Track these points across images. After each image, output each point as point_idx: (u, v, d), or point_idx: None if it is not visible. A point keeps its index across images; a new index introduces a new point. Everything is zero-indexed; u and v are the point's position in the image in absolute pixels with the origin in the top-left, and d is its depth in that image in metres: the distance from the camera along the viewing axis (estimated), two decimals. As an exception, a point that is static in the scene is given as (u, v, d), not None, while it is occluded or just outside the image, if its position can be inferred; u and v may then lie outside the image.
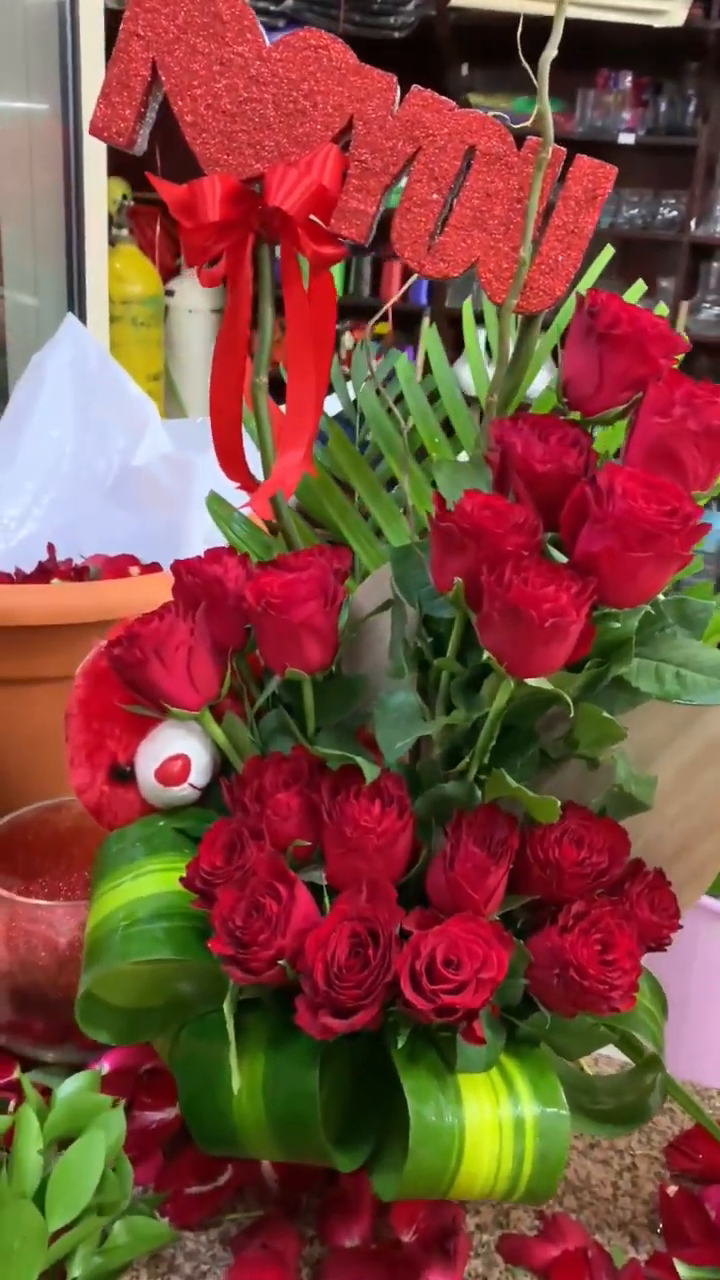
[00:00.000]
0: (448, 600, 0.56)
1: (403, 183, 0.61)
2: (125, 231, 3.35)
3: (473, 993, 0.53)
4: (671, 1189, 0.69)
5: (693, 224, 3.09)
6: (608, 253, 0.71)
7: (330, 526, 0.74)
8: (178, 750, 0.63)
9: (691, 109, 3.04)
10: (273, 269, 0.64)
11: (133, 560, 1.15)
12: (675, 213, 3.04)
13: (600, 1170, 0.72)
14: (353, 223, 0.60)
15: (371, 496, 0.72)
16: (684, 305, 3.09)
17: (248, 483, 0.69)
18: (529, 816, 0.58)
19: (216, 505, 0.77)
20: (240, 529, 0.76)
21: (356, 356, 0.77)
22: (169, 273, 3.68)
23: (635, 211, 3.16)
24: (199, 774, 0.63)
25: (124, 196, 3.43)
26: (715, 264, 3.06)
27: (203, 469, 1.15)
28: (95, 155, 2.50)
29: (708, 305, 3.05)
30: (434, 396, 0.76)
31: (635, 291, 0.73)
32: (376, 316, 0.65)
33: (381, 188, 0.60)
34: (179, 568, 0.63)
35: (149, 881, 0.61)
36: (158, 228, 3.62)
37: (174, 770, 0.62)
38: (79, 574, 1.14)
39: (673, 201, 3.07)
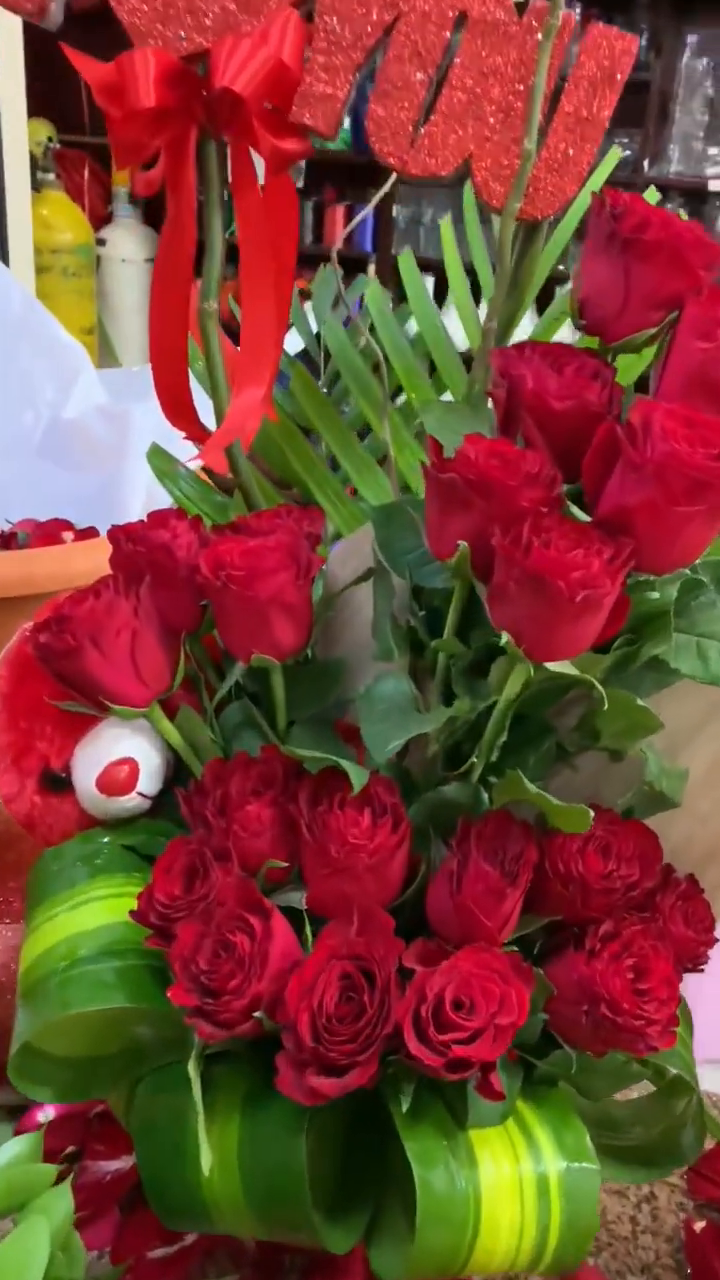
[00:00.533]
0: (447, 568, 0.47)
1: (378, 61, 0.50)
2: (52, 176, 3.16)
3: (490, 1042, 0.44)
4: (698, 1224, 0.62)
5: (646, 164, 2.98)
6: (614, 155, 0.61)
7: (294, 482, 0.63)
8: (123, 753, 0.53)
9: (644, 43, 2.92)
10: (222, 170, 0.53)
11: (66, 525, 1.04)
12: (628, 153, 2.92)
13: (616, 1203, 0.64)
14: (318, 110, 0.49)
15: (342, 446, 0.62)
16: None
17: (197, 432, 0.59)
18: (541, 819, 0.49)
19: (159, 460, 0.66)
20: (188, 487, 0.65)
21: (318, 283, 0.67)
22: (100, 220, 3.49)
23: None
24: (149, 780, 0.53)
25: (49, 139, 3.24)
26: (669, 205, 2.95)
27: (142, 420, 1.04)
28: (13, 94, 2.34)
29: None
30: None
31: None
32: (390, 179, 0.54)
33: (353, 66, 0.49)
34: (117, 534, 0.53)
35: (93, 911, 0.51)
36: (86, 172, 3.43)
37: (119, 777, 0.52)
38: (5, 541, 1.03)
39: (625, 141, 2.95)
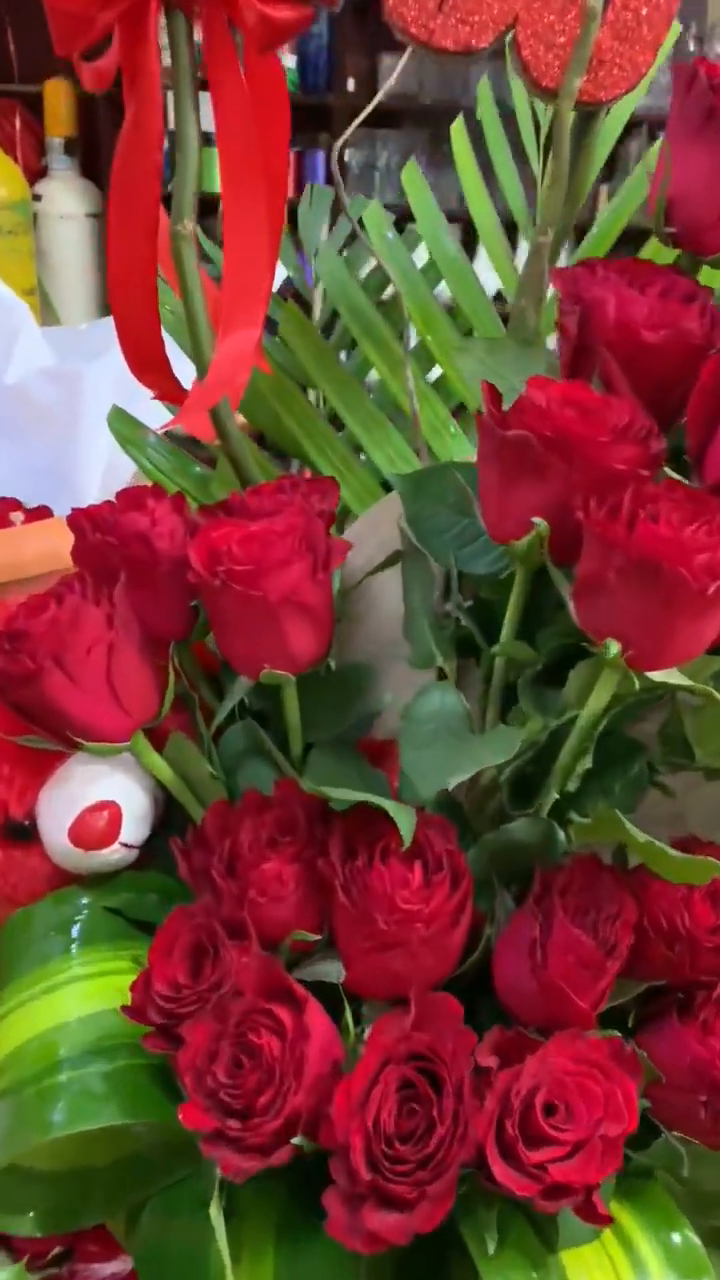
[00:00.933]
0: (511, 551, 0.36)
1: None
2: (-20, 127, 2.97)
3: (596, 1159, 0.34)
4: None
5: (691, 45, 2.84)
6: (673, 30, 0.50)
7: (288, 447, 0.52)
8: (100, 795, 0.42)
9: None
10: (193, 51, 0.42)
11: (13, 504, 0.92)
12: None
13: None
14: (316, -36, 0.38)
15: (346, 400, 0.51)
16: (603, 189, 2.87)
17: (171, 389, 0.48)
18: (621, 853, 0.40)
19: (123, 425, 0.55)
20: (160, 457, 0.54)
21: (307, 206, 0.55)
22: (35, 174, 3.29)
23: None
24: (134, 827, 0.43)
25: (-26, 87, 3.04)
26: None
27: (96, 381, 0.92)
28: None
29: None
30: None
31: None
32: (358, 119, 0.43)
33: None
34: (80, 521, 0.42)
35: (73, 995, 0.41)
36: (17, 121, 3.23)
37: (97, 826, 0.42)
38: (-53, 525, 0.91)
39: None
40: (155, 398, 0.49)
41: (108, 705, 0.39)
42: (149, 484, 0.43)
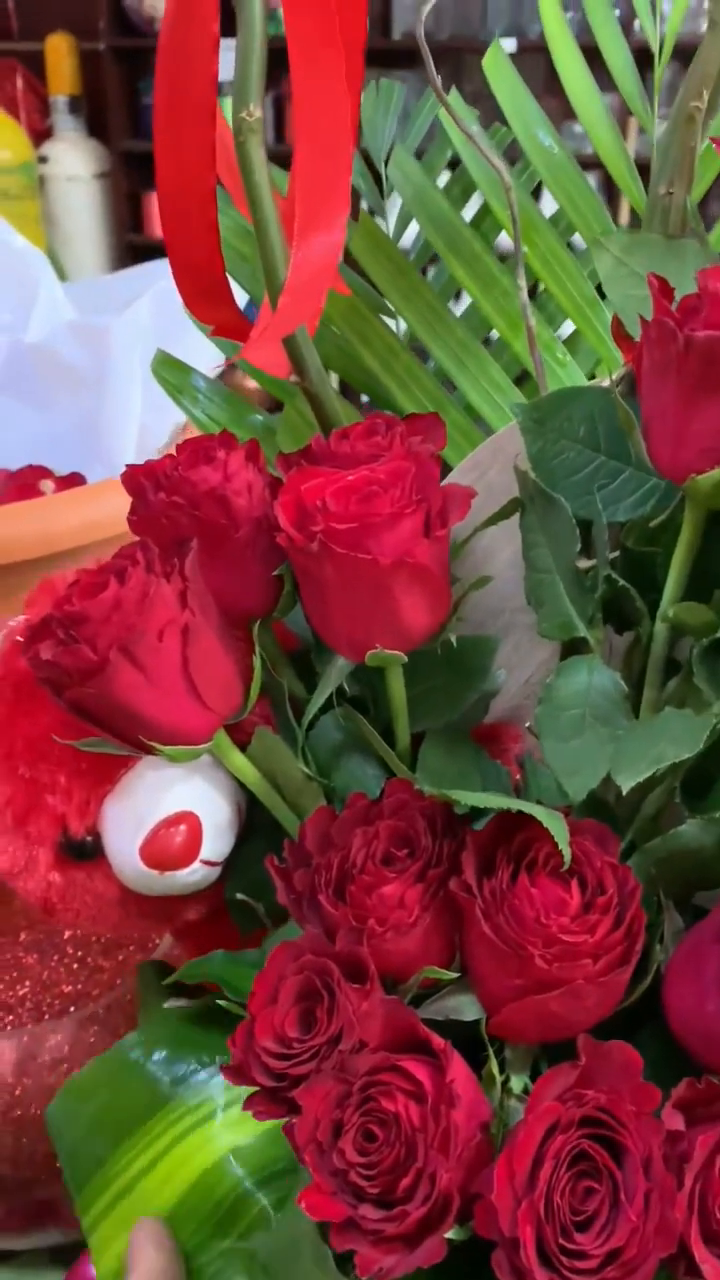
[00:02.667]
0: (690, 490, 0.29)
1: None
2: (-19, 88, 2.87)
3: None
4: None
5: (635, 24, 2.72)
6: None
7: (362, 384, 0.45)
8: (176, 805, 0.35)
9: None
10: None
11: (44, 471, 0.85)
12: (617, 11, 2.66)
13: None
14: None
15: (431, 325, 0.43)
16: (632, 121, 2.75)
17: (232, 322, 0.40)
18: None
19: (170, 371, 0.48)
20: (215, 405, 0.47)
21: (372, 101, 0.47)
22: (40, 135, 3.19)
23: (570, 15, 2.73)
24: (215, 840, 0.36)
25: (-27, 48, 2.94)
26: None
27: (125, 336, 0.85)
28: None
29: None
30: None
31: None
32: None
33: None
34: (139, 480, 0.35)
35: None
36: (19, 82, 3.13)
37: (174, 843, 0.35)
38: (-28, 498, 0.84)
39: (614, 2, 2.67)
40: (214, 333, 0.41)
41: (185, 700, 0.32)
42: (219, 434, 0.36)
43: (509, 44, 2.69)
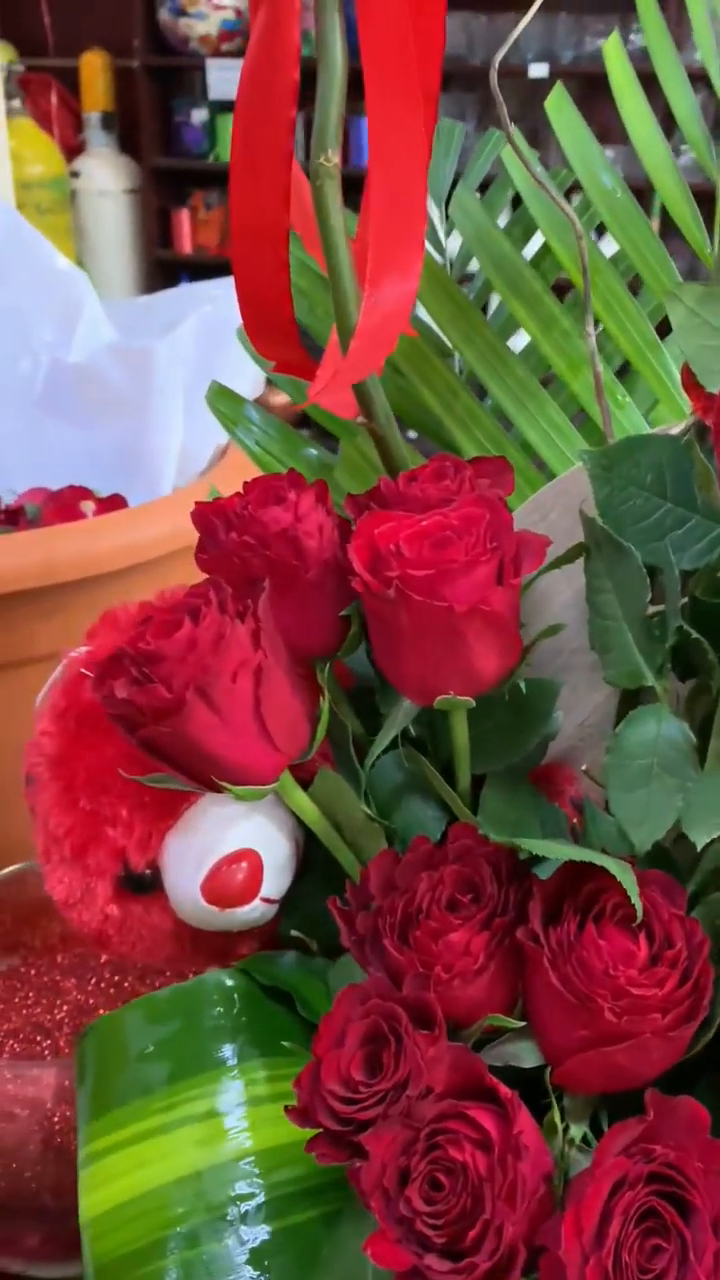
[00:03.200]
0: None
1: None
2: (18, 103, 2.90)
3: None
4: None
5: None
6: None
7: (421, 424, 0.45)
8: (238, 843, 0.35)
9: None
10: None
11: (84, 492, 0.85)
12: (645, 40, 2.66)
13: None
14: None
15: (492, 365, 0.44)
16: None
17: (297, 361, 0.41)
18: None
19: (225, 403, 0.48)
20: (270, 439, 0.47)
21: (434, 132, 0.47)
22: (72, 150, 3.22)
23: (601, 43, 2.75)
24: (275, 877, 0.36)
25: (10, 63, 2.97)
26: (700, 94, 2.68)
27: (168, 358, 0.85)
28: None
29: (687, 148, 2.70)
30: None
31: None
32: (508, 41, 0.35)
33: None
34: (209, 518, 0.35)
35: (180, 1143, 0.34)
36: (54, 97, 3.16)
37: (236, 879, 0.35)
38: (10, 517, 0.85)
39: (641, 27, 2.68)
40: (276, 369, 0.42)
41: (255, 740, 0.32)
42: (288, 474, 0.36)
43: (540, 69, 2.70)
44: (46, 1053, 0.56)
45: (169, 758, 0.32)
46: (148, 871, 0.37)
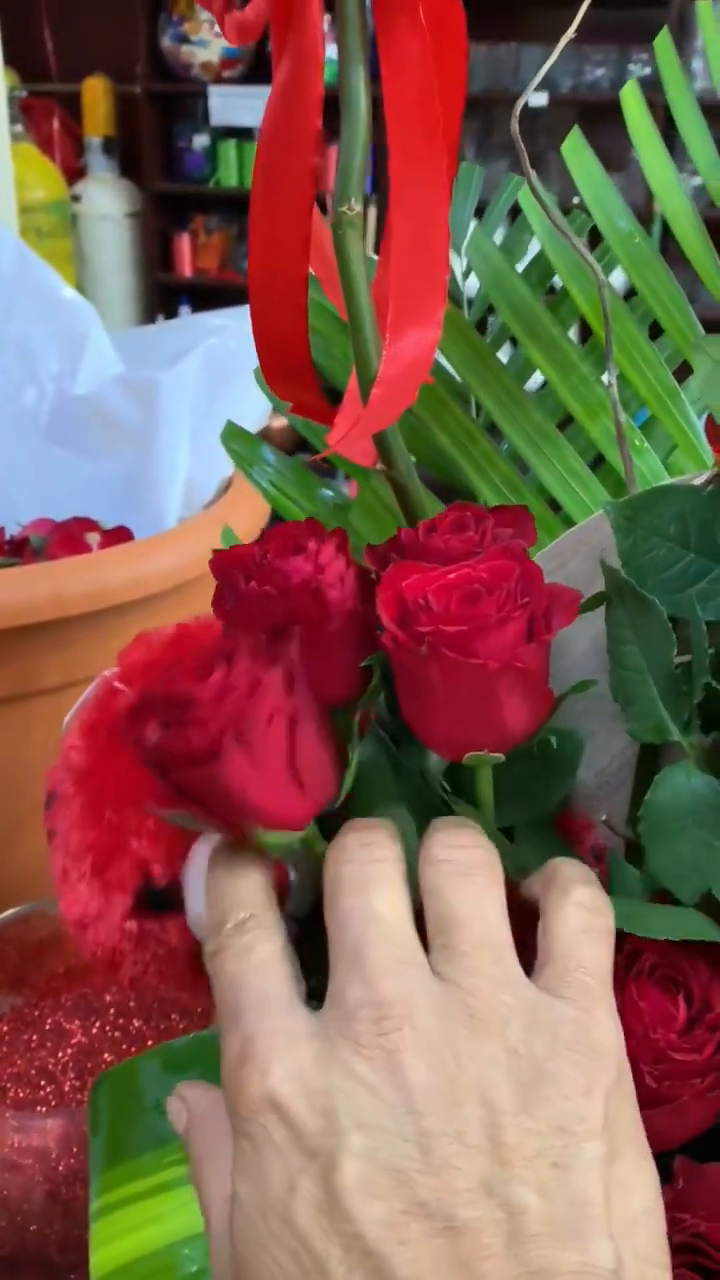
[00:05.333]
0: None
1: None
2: (20, 128, 2.92)
3: None
4: None
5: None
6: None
7: (438, 468, 0.45)
8: None
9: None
10: (362, 3, 0.34)
11: (89, 524, 0.85)
12: (647, 70, 2.69)
13: None
14: None
15: (509, 410, 0.43)
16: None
17: (314, 405, 0.40)
18: None
19: (240, 443, 0.48)
20: (285, 480, 0.47)
21: (461, 173, 0.47)
22: (73, 175, 3.24)
23: (601, 72, 2.78)
24: (301, 897, 0.36)
25: (13, 89, 2.99)
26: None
27: (173, 391, 0.86)
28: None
29: (685, 176, 2.72)
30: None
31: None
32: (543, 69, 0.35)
33: None
34: (228, 568, 0.35)
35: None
36: (55, 123, 3.18)
37: None
38: (16, 548, 0.84)
39: (644, 58, 2.70)
40: (292, 411, 0.42)
41: (287, 787, 0.32)
42: (307, 521, 0.36)
43: (540, 98, 2.73)
44: (51, 1097, 0.55)
45: (200, 801, 0.32)
46: (169, 887, 0.37)
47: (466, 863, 0.29)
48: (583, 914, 0.29)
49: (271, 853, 0.33)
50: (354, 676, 0.35)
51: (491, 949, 0.28)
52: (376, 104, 0.35)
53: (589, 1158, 0.25)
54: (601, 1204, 0.25)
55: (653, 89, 0.59)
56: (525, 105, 0.54)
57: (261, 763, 0.31)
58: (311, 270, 0.39)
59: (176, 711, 0.30)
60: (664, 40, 0.46)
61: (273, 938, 0.30)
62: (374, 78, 0.36)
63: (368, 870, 0.29)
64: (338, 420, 0.38)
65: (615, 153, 0.45)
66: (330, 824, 0.34)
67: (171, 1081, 0.35)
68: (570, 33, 0.39)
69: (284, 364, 0.40)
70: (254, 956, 0.29)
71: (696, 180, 0.54)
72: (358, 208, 0.35)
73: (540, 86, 2.76)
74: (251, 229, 0.37)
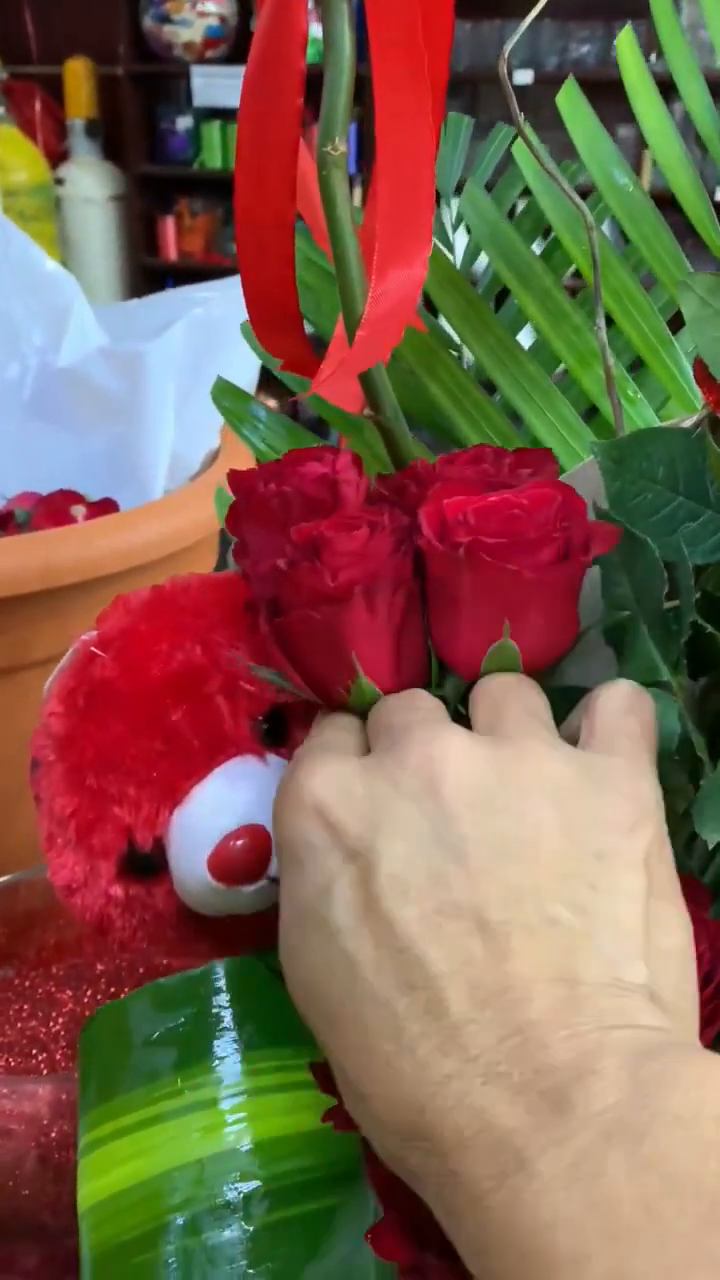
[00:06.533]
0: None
1: None
2: (1, 111, 2.89)
3: None
4: None
5: (652, 58, 2.75)
6: None
7: (428, 419, 0.45)
8: (246, 819, 0.35)
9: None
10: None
11: (74, 497, 0.84)
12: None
13: None
14: None
15: (502, 361, 0.43)
16: (646, 154, 2.78)
17: (302, 356, 0.40)
18: None
19: (231, 399, 0.48)
20: (277, 437, 0.46)
21: (443, 135, 0.47)
22: (56, 158, 3.22)
23: (587, 49, 2.77)
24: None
25: (-7, 71, 2.97)
26: (679, 105, 2.69)
27: (158, 362, 0.85)
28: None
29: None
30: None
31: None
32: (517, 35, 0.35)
33: None
34: (245, 478, 0.34)
35: (191, 1128, 0.33)
36: (38, 105, 3.15)
37: (242, 854, 0.35)
38: (1, 522, 0.84)
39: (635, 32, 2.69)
40: (283, 367, 0.41)
41: (387, 659, 0.31)
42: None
43: (525, 76, 2.72)
44: (42, 1066, 0.55)
45: (300, 652, 0.32)
46: (153, 851, 0.36)
47: (512, 680, 0.30)
48: (629, 697, 0.29)
49: (363, 703, 0.32)
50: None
51: (539, 719, 0.28)
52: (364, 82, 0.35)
53: (628, 886, 0.25)
54: (639, 931, 0.25)
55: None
56: (511, 84, 0.54)
57: (377, 625, 0.31)
58: (305, 219, 0.39)
59: (313, 551, 0.30)
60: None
61: (344, 728, 0.30)
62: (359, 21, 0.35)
63: (408, 695, 0.30)
64: (324, 364, 0.38)
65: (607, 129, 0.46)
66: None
67: (160, 1019, 0.34)
68: (538, 8, 0.39)
69: (271, 313, 0.39)
70: (325, 733, 0.30)
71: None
72: (342, 148, 0.34)
73: (526, 65, 2.75)
74: (238, 175, 0.37)
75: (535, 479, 0.32)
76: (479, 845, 0.25)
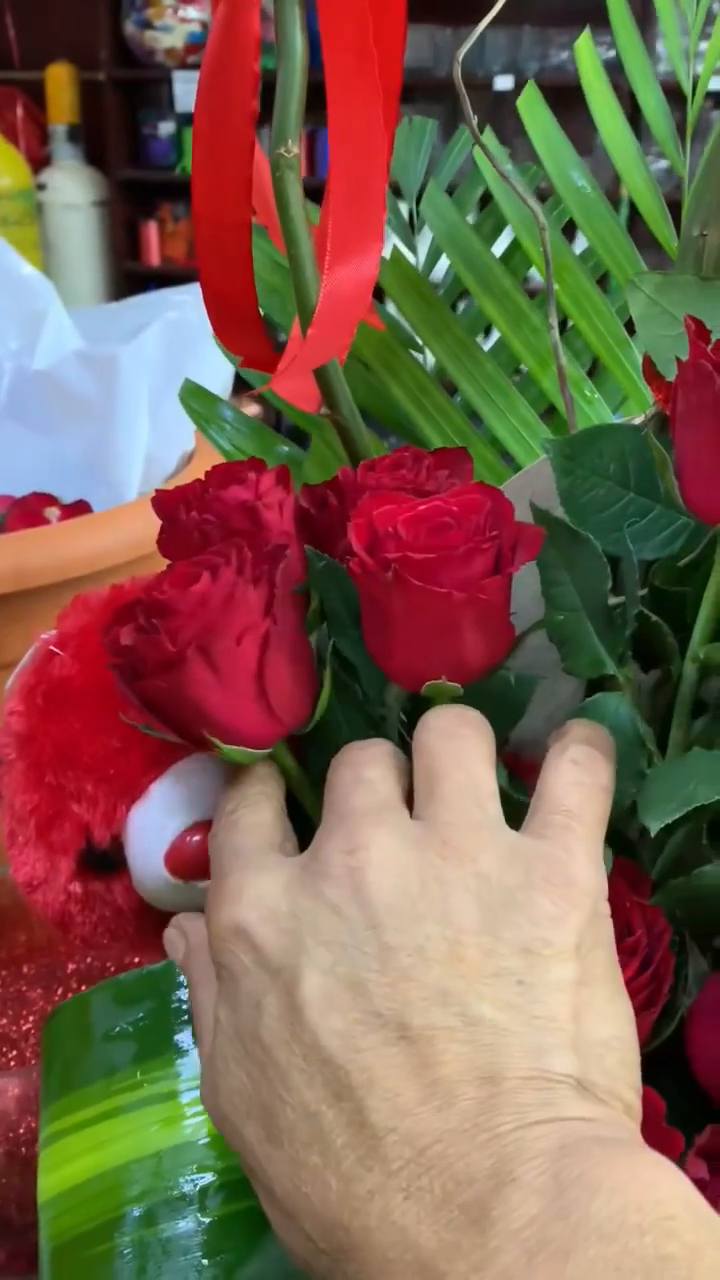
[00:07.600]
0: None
1: None
2: (-19, 116, 2.89)
3: None
4: None
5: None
6: None
7: (389, 419, 0.45)
8: (202, 815, 0.35)
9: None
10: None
11: (48, 499, 0.85)
12: (611, 52, 2.70)
13: None
14: None
15: (462, 362, 0.44)
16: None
17: (261, 354, 0.40)
18: None
19: (199, 401, 0.48)
20: (242, 438, 0.47)
21: (405, 138, 0.47)
22: (39, 163, 3.22)
23: (566, 55, 2.79)
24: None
25: (-26, 76, 2.97)
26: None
27: (133, 366, 0.85)
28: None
29: (651, 158, 2.73)
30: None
31: None
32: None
33: None
34: (168, 502, 0.35)
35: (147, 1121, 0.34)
36: (19, 110, 3.15)
37: (193, 850, 0.35)
38: (-23, 522, 0.84)
39: (608, 40, 2.72)
40: (243, 365, 0.42)
41: (253, 706, 0.32)
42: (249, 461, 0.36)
43: (506, 81, 2.73)
44: (12, 1063, 0.55)
45: (166, 714, 0.32)
46: (110, 848, 0.37)
47: (455, 725, 0.30)
48: (575, 770, 0.29)
49: (239, 763, 0.32)
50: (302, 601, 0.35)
51: (473, 795, 0.28)
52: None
53: (556, 978, 0.25)
54: (568, 1021, 0.25)
55: (618, 73, 0.59)
56: (491, 89, 0.54)
57: (226, 678, 0.31)
58: (262, 221, 0.39)
59: (154, 618, 0.30)
60: (619, 8, 0.46)
61: (259, 810, 0.31)
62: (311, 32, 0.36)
63: (363, 753, 0.30)
64: (281, 363, 0.39)
65: (581, 136, 0.45)
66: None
67: (121, 1014, 0.35)
68: (494, 12, 0.39)
69: (231, 314, 0.40)
70: (241, 822, 0.30)
71: (662, 163, 0.55)
72: (295, 150, 0.35)
73: (506, 70, 2.77)
74: (195, 177, 0.37)
75: (452, 479, 0.33)
76: (401, 952, 0.25)
